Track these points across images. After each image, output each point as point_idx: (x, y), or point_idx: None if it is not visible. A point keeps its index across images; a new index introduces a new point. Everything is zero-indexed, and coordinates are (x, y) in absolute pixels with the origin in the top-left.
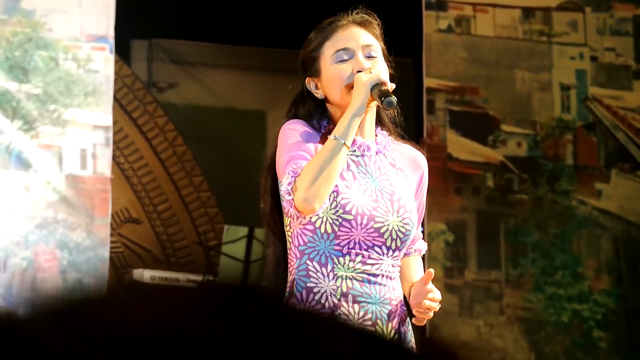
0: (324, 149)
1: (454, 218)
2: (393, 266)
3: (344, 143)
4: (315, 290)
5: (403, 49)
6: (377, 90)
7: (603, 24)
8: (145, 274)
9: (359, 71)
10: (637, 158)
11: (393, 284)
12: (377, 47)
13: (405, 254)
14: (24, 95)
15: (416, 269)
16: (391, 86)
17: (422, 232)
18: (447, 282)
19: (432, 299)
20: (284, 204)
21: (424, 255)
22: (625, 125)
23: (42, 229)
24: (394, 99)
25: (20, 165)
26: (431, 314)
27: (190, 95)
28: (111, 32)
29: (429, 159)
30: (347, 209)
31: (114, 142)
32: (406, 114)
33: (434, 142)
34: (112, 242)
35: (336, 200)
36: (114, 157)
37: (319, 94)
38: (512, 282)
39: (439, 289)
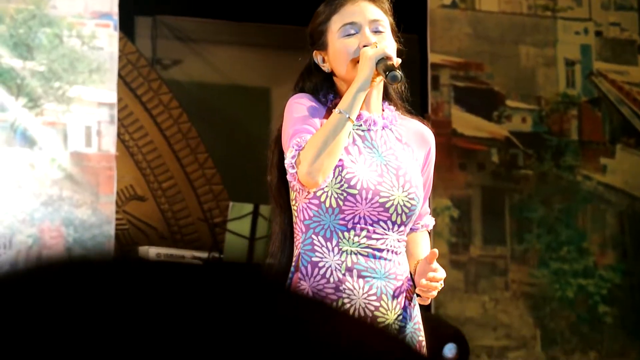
0: (328, 123)
1: (459, 194)
2: (398, 241)
3: (348, 117)
4: (320, 264)
5: (407, 24)
6: (383, 64)
7: None
8: (151, 251)
9: (365, 45)
10: None
11: (399, 259)
12: (385, 22)
13: (412, 230)
14: (28, 73)
15: (423, 245)
16: (397, 61)
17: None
18: (452, 258)
19: (432, 278)
20: (288, 177)
21: (429, 231)
22: (630, 100)
23: (47, 207)
24: (398, 73)
25: (25, 142)
26: (434, 293)
27: (194, 72)
28: (115, 9)
29: (434, 135)
30: (352, 183)
31: (119, 120)
32: (411, 90)
33: (439, 118)
34: (117, 219)
35: (341, 175)
36: (119, 135)
37: (325, 67)
38: (517, 257)
39: (444, 265)
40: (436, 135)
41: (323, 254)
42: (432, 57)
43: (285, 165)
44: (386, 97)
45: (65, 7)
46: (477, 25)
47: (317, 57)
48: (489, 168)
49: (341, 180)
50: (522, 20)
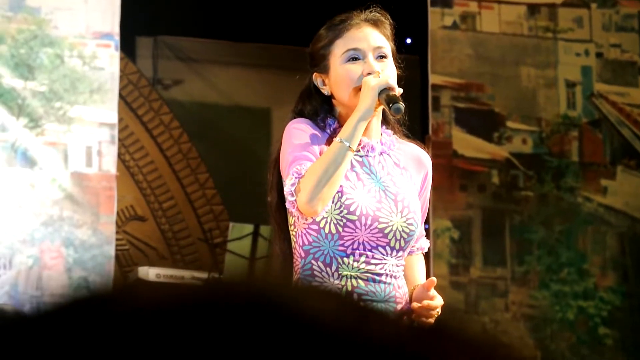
0: (329, 152)
1: (460, 215)
2: (397, 265)
3: (349, 147)
4: (317, 277)
5: (408, 45)
6: (385, 95)
7: (608, 20)
8: (151, 272)
9: (368, 73)
10: None
11: (398, 282)
12: (388, 49)
13: (408, 253)
14: (29, 93)
15: (419, 269)
16: (399, 91)
17: (426, 229)
18: (453, 279)
19: (428, 306)
20: (288, 204)
21: (429, 252)
22: (631, 122)
23: (47, 227)
24: (402, 105)
25: (25, 162)
26: (432, 320)
27: (195, 93)
28: (116, 29)
29: (434, 156)
30: (352, 209)
31: (119, 140)
32: (411, 111)
33: (440, 139)
34: (117, 239)
35: (340, 201)
36: (119, 155)
37: (325, 90)
38: (518, 279)
39: (444, 286)
40: (437, 156)
41: (323, 279)
42: (433, 78)
43: (285, 193)
44: (384, 121)
45: (66, 28)
46: (478, 46)
47: (317, 79)
48: (489, 189)
49: (341, 206)
50: (523, 41)
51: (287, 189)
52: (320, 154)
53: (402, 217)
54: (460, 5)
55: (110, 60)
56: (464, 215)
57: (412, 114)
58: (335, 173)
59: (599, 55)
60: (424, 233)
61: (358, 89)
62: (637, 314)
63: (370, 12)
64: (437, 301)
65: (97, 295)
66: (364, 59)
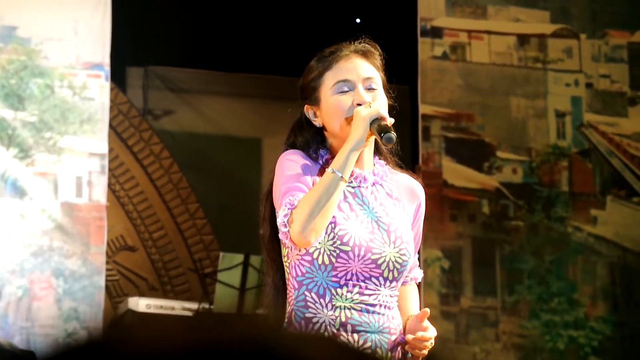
0: (321, 182)
1: (450, 245)
2: (391, 296)
3: (342, 177)
4: (314, 320)
5: (398, 75)
6: (377, 125)
7: (598, 50)
8: (141, 302)
9: (359, 104)
10: (633, 184)
11: (392, 313)
12: (378, 79)
13: (402, 283)
14: (19, 123)
15: (412, 299)
16: (390, 121)
17: (419, 259)
18: (443, 309)
19: (422, 338)
20: (280, 235)
21: (419, 282)
22: (621, 152)
23: (37, 257)
24: (393, 135)
25: (15, 192)
26: (425, 352)
27: (185, 123)
28: (107, 60)
29: (424, 186)
30: (345, 240)
31: (110, 170)
32: (401, 141)
33: (430, 168)
34: (107, 269)
35: (334, 232)
36: (110, 185)
37: (317, 122)
38: (508, 308)
39: (434, 316)
40: (427, 186)
41: (316, 310)
42: (423, 108)
43: (278, 224)
44: (376, 151)
45: (56, 58)
46: (467, 76)
47: (309, 111)
48: (479, 219)
49: (334, 237)
50: (513, 71)
51: (280, 220)
52: (312, 185)
53: (394, 247)
54: (450, 36)
55: (100, 90)
56: (454, 245)
57: (402, 144)
58: (328, 203)
59: (588, 85)
60: (417, 263)
61: (349, 120)
62: (628, 343)
63: (360, 43)
64: (431, 332)
65: (91, 342)
66: (354, 90)
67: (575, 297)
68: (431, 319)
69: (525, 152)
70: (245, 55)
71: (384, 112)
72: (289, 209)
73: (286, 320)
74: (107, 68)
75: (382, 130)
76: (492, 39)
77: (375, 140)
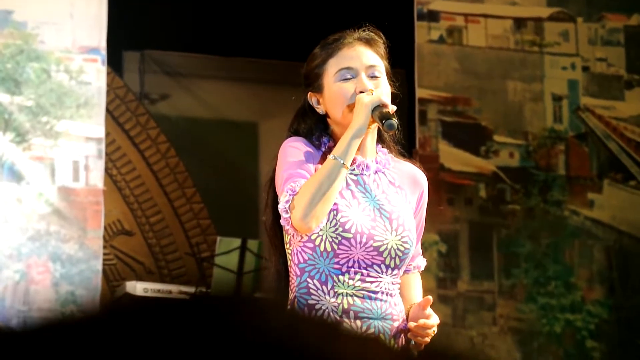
0: (323, 169)
1: (447, 229)
2: (393, 283)
3: (343, 164)
4: (317, 307)
5: (395, 59)
6: (378, 112)
7: (594, 34)
8: (138, 286)
9: (361, 91)
10: (629, 168)
11: (394, 300)
12: (381, 67)
13: (404, 271)
14: (16, 108)
15: (415, 287)
16: (392, 108)
17: (421, 247)
18: (440, 293)
19: (424, 325)
20: (282, 221)
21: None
22: (617, 135)
23: (34, 241)
24: (395, 122)
25: (12, 177)
26: (428, 339)
27: (182, 107)
28: (103, 44)
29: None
30: (347, 227)
31: (106, 154)
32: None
33: (426, 152)
34: (104, 254)
35: (336, 219)
36: (106, 169)
37: (320, 110)
38: (505, 292)
39: (432, 300)
40: (424, 170)
41: (319, 297)
42: (420, 92)
43: (279, 210)
44: (379, 139)
45: (53, 42)
46: (464, 60)
47: (312, 99)
48: (476, 203)
49: (336, 224)
50: (510, 55)
51: (282, 205)
52: (315, 172)
53: (396, 235)
54: (446, 20)
55: (97, 74)
56: (451, 229)
57: (399, 128)
58: (329, 190)
59: (585, 69)
60: (420, 252)
61: (352, 107)
62: (625, 327)
63: (364, 30)
64: (433, 320)
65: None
66: (357, 77)
67: (572, 280)
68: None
69: (522, 135)
70: (242, 40)
71: (386, 99)
72: (290, 195)
73: (289, 306)
74: (104, 52)
75: (383, 117)
76: (489, 22)
77: (378, 128)
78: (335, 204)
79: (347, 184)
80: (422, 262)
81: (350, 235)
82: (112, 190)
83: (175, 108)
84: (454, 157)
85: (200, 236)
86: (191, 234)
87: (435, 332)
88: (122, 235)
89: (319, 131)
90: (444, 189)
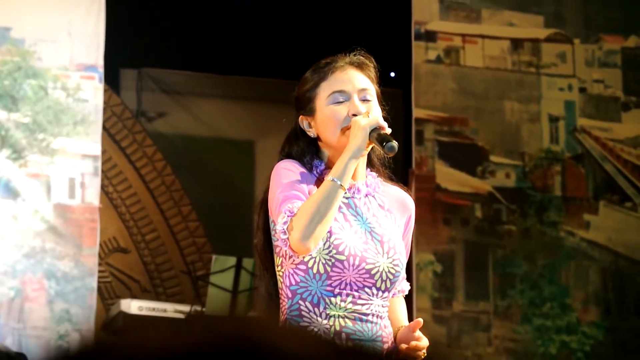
0: (321, 190)
1: (442, 249)
2: (382, 306)
3: (341, 185)
4: (309, 329)
5: (392, 79)
6: (376, 134)
7: (591, 55)
8: (133, 304)
9: (354, 114)
10: (625, 189)
11: (384, 322)
12: (372, 91)
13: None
14: (12, 124)
15: (401, 310)
16: (388, 130)
17: (407, 270)
18: (435, 313)
19: (416, 347)
20: (278, 242)
21: (412, 286)
22: (614, 157)
23: (29, 258)
24: (395, 144)
25: (8, 194)
26: None
27: (179, 125)
28: (100, 62)
29: (417, 190)
30: (340, 249)
31: (103, 172)
32: None
33: (423, 172)
34: (100, 271)
35: (329, 241)
36: (103, 187)
37: (311, 133)
38: (500, 313)
39: (427, 320)
40: (420, 189)
41: (311, 319)
42: (417, 112)
43: (277, 232)
44: (368, 163)
45: (50, 59)
46: (461, 80)
47: (303, 122)
48: (472, 223)
49: (329, 246)
50: (507, 76)
51: (280, 227)
52: (309, 194)
53: (388, 258)
54: (444, 40)
55: (94, 92)
56: (447, 249)
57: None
58: (328, 211)
59: (582, 90)
60: (405, 275)
61: (345, 130)
62: (620, 348)
63: (355, 55)
64: (424, 342)
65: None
66: (349, 101)
67: (568, 301)
68: (423, 323)
69: (519, 156)
70: (239, 58)
71: (382, 121)
72: (288, 216)
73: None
74: (101, 70)
75: (383, 139)
76: (486, 43)
77: (369, 152)
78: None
79: (339, 207)
80: (406, 286)
81: (343, 258)
82: (108, 208)
83: (172, 126)
84: (450, 177)
85: (196, 254)
86: (187, 252)
87: (425, 354)
88: (118, 252)
89: (310, 154)
90: (440, 209)
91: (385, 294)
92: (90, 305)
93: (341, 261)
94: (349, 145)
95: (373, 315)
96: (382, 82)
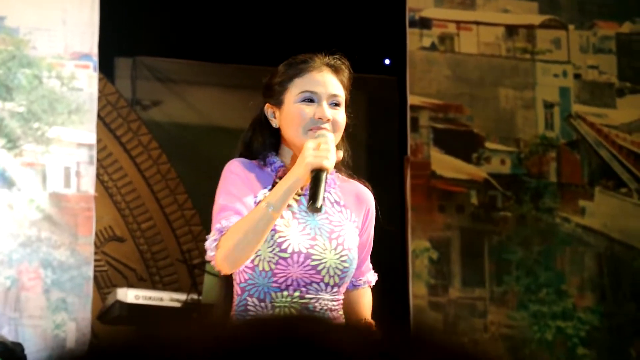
0: (254, 215)
1: (438, 236)
2: (333, 300)
3: (274, 212)
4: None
5: (387, 66)
6: (314, 180)
7: (586, 41)
8: (129, 293)
9: (320, 118)
10: (621, 175)
11: (334, 315)
12: (342, 97)
13: (354, 286)
14: (7, 114)
15: (364, 303)
16: (338, 156)
17: (405, 250)
18: (432, 300)
19: None
20: (207, 256)
21: (407, 273)
22: (609, 143)
23: (25, 248)
24: (319, 205)
25: (3, 183)
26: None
27: (174, 113)
28: (95, 50)
29: (413, 177)
30: (283, 247)
31: (98, 160)
32: (390, 132)
33: (418, 159)
34: (95, 260)
35: (273, 239)
36: (98, 175)
37: (274, 123)
38: (496, 299)
39: (423, 307)
40: (415, 177)
41: (256, 312)
42: (412, 99)
43: (206, 246)
44: None
45: (44, 48)
46: (456, 67)
47: (269, 110)
48: (468, 210)
49: (273, 244)
50: (501, 62)
51: (209, 243)
52: (255, 198)
53: (335, 254)
54: (438, 27)
55: (88, 81)
56: (443, 236)
57: (391, 135)
58: (256, 237)
59: (576, 76)
60: (370, 267)
61: (307, 129)
62: (616, 334)
63: (333, 58)
64: None
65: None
66: (319, 103)
67: (563, 287)
68: (419, 309)
69: (514, 143)
70: (234, 46)
71: (329, 162)
72: (218, 234)
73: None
74: (96, 58)
75: (314, 194)
76: (481, 29)
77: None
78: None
79: (289, 205)
80: (372, 278)
81: (287, 255)
82: (103, 197)
83: (167, 114)
84: (445, 164)
85: (192, 242)
86: (183, 241)
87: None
88: (114, 241)
89: (269, 147)
90: (436, 196)
91: (335, 288)
92: (86, 294)
93: (285, 258)
94: (291, 172)
95: (322, 309)
96: (377, 69)
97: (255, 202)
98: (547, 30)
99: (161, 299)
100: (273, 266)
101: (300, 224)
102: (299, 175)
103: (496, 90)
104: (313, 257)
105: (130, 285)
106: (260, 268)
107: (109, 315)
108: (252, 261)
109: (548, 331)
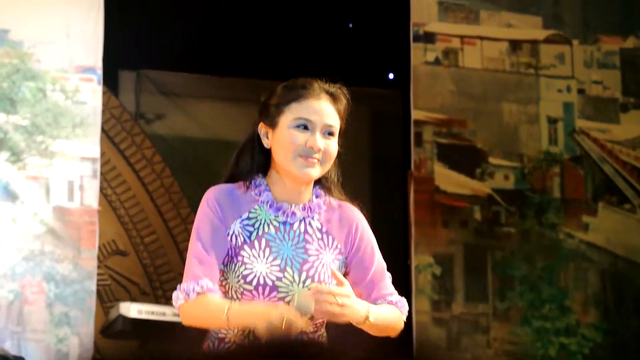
0: (213, 310)
1: (442, 251)
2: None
3: (229, 324)
4: (225, 340)
5: (391, 81)
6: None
7: (590, 56)
8: (132, 307)
9: (311, 147)
10: (624, 191)
11: (309, 337)
12: (337, 127)
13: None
14: (11, 127)
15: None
16: (307, 317)
17: (408, 265)
18: (435, 315)
19: (327, 291)
20: (173, 302)
21: (410, 288)
22: (613, 158)
23: (28, 261)
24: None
25: (7, 196)
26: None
27: (178, 127)
28: (99, 63)
29: (416, 192)
30: (248, 279)
31: (101, 174)
32: (394, 146)
33: (422, 174)
34: (99, 274)
35: (239, 270)
36: (101, 189)
37: (266, 143)
38: (500, 315)
39: (426, 322)
40: (419, 191)
41: (227, 331)
42: (415, 114)
43: (172, 297)
44: (318, 182)
45: (49, 61)
46: (460, 82)
47: (262, 130)
48: (471, 225)
49: (239, 275)
50: (505, 77)
51: (175, 295)
52: (227, 234)
53: (303, 287)
54: (442, 41)
55: (92, 94)
56: (446, 251)
57: (394, 149)
58: (212, 326)
59: (580, 91)
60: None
61: (297, 155)
62: (619, 351)
63: (333, 86)
64: (343, 290)
65: None
66: (312, 131)
67: (567, 303)
68: (422, 325)
69: (517, 158)
70: (238, 60)
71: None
72: (184, 297)
73: (205, 340)
74: (100, 72)
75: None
76: (485, 44)
77: (321, 177)
78: (241, 255)
79: (265, 232)
80: (404, 306)
81: (251, 287)
82: (106, 210)
83: (170, 128)
84: (449, 179)
85: None
86: (186, 255)
87: (344, 305)
88: (117, 255)
89: (257, 168)
90: (439, 211)
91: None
92: (89, 308)
93: (249, 290)
94: (252, 315)
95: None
96: (381, 83)
97: (227, 235)
98: (551, 45)
99: (164, 314)
100: (239, 296)
101: (273, 252)
102: (255, 325)
103: (500, 105)
104: (280, 289)
105: (133, 299)
106: (230, 295)
107: (112, 329)
108: (224, 287)
109: (551, 347)
